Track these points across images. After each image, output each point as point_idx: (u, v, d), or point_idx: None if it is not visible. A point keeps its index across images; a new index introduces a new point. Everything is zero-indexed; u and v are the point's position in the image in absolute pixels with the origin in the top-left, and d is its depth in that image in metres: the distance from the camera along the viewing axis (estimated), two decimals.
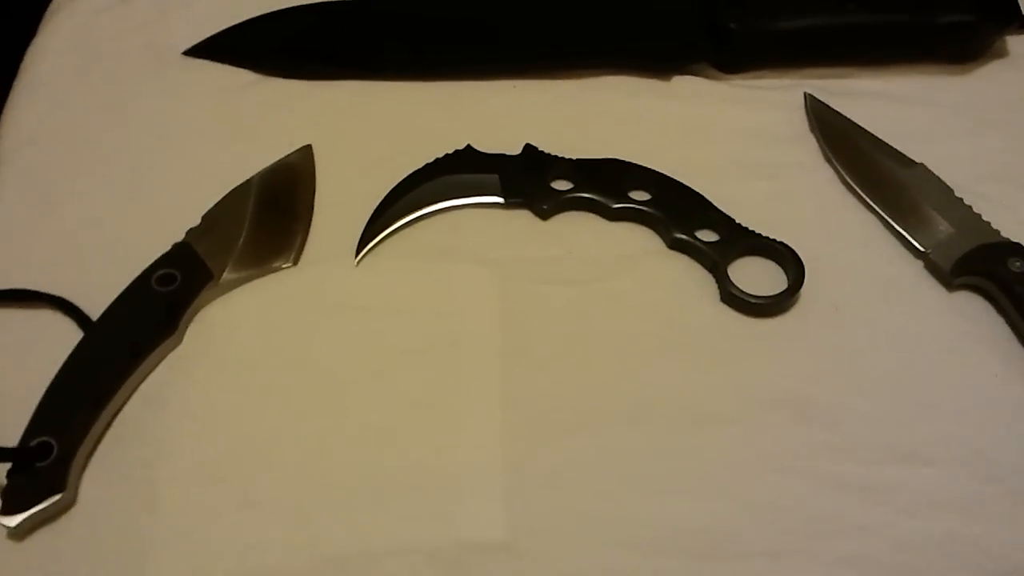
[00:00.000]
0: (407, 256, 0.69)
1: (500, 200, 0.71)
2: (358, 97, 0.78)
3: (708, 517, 0.59)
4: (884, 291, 0.67)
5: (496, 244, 0.70)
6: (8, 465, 0.58)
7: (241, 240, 0.68)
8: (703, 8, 0.79)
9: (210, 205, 0.70)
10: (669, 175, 0.71)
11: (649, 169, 0.71)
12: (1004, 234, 0.67)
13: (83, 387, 0.61)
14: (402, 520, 0.58)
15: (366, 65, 0.79)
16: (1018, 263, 0.65)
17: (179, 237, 0.68)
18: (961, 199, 0.69)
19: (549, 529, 0.58)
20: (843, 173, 0.72)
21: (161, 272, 0.66)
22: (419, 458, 0.61)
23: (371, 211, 0.70)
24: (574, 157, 0.72)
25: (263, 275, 0.68)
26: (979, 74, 0.79)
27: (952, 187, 0.70)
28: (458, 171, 0.72)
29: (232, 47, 0.81)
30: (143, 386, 0.63)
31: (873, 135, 0.73)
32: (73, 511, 0.59)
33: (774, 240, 0.68)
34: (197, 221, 0.69)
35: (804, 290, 0.66)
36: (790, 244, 0.67)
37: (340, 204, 0.72)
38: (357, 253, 0.69)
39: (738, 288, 0.66)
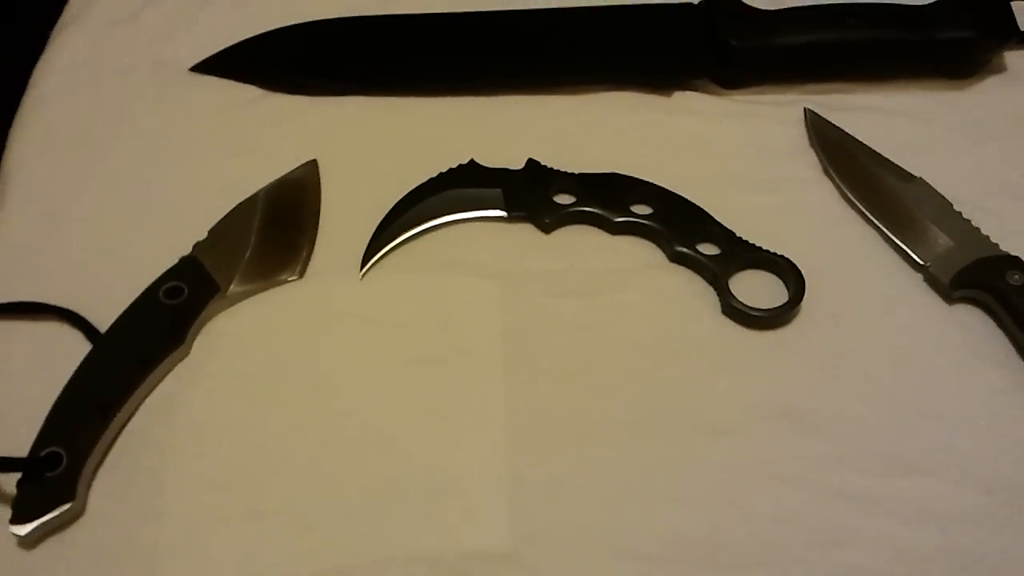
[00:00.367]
0: (411, 269, 0.70)
1: (503, 214, 0.71)
2: (362, 113, 0.78)
3: (709, 527, 0.59)
4: (884, 304, 0.68)
5: (499, 258, 0.70)
6: (19, 475, 0.59)
7: (247, 253, 0.69)
8: (704, 24, 0.80)
9: (217, 219, 0.70)
10: (670, 189, 0.71)
11: (651, 183, 0.72)
12: (1003, 247, 0.67)
13: (92, 398, 0.62)
14: (406, 530, 0.59)
15: (370, 81, 0.80)
16: (1017, 276, 0.65)
17: (186, 251, 0.68)
18: (960, 213, 0.70)
19: (552, 538, 0.58)
20: (843, 187, 0.73)
21: (169, 285, 0.66)
22: (423, 468, 0.61)
23: (376, 225, 0.71)
24: (576, 172, 0.73)
25: (269, 288, 0.69)
26: (978, 89, 0.79)
27: (951, 201, 0.70)
28: (461, 185, 0.73)
29: (238, 63, 0.82)
30: (151, 397, 0.64)
31: (873, 150, 0.74)
32: (82, 520, 0.59)
33: (775, 253, 0.68)
34: (204, 235, 0.69)
35: (804, 303, 0.66)
36: (790, 257, 0.68)
37: (345, 218, 0.72)
38: (362, 266, 0.69)
39: (739, 301, 0.66)
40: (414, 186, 0.73)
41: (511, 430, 0.62)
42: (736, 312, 0.66)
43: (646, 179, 0.72)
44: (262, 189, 0.73)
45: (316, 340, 0.66)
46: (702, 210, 0.71)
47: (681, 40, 0.80)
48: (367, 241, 0.70)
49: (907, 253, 0.69)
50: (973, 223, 0.69)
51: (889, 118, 0.77)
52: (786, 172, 0.75)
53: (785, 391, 0.64)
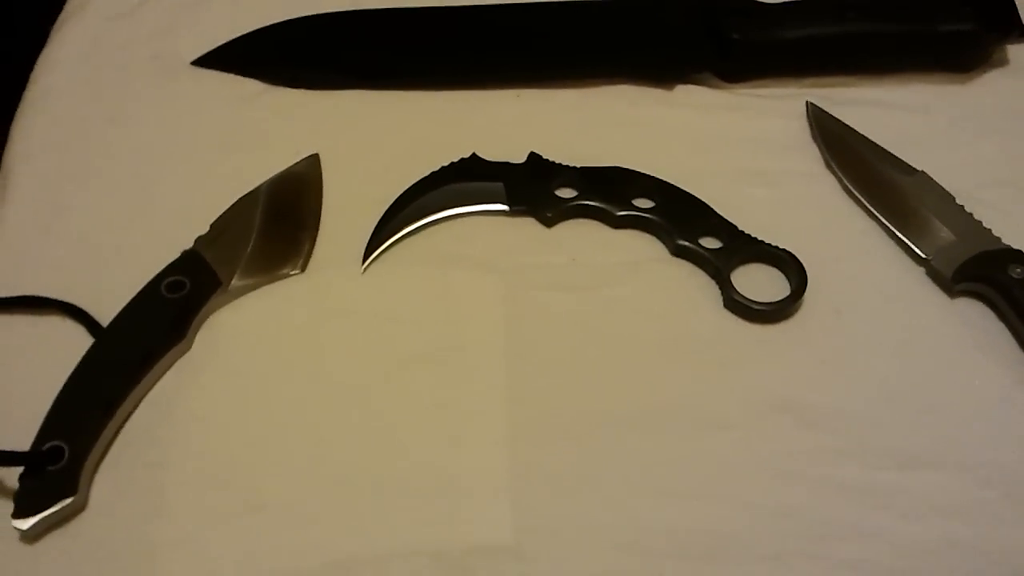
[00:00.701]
0: (413, 263, 0.70)
1: (505, 208, 0.71)
2: (364, 106, 0.78)
3: (711, 521, 0.59)
4: (885, 298, 0.68)
5: (501, 251, 0.70)
6: (21, 469, 0.59)
7: (249, 247, 0.69)
8: (706, 18, 0.80)
9: (218, 213, 0.70)
10: (672, 183, 0.71)
11: (652, 177, 0.72)
12: (1005, 241, 0.67)
13: (94, 392, 0.62)
14: (409, 524, 0.59)
15: (372, 75, 0.80)
16: (1019, 269, 0.65)
17: (188, 245, 0.68)
18: (962, 206, 0.69)
19: (554, 532, 0.58)
20: (845, 181, 0.73)
21: (170, 279, 0.66)
22: (425, 462, 0.61)
23: (377, 219, 0.71)
24: (578, 165, 0.73)
25: (271, 282, 0.69)
26: (980, 82, 0.79)
27: (953, 194, 0.70)
28: (463, 179, 0.73)
29: (239, 57, 0.82)
30: (153, 391, 0.64)
31: (874, 143, 0.74)
32: (84, 514, 0.59)
33: (776, 247, 0.68)
34: (206, 229, 0.69)
35: (806, 296, 0.66)
36: (792, 251, 0.68)
37: (347, 212, 0.72)
38: (363, 260, 0.69)
39: (741, 294, 0.66)
40: (416, 180, 0.73)
41: (513, 424, 0.62)
42: (738, 306, 0.66)
43: (648, 173, 0.72)
44: (264, 183, 0.73)
45: (318, 334, 0.66)
46: (704, 204, 0.71)
47: (683, 33, 0.80)
48: (369, 235, 0.70)
49: (909, 246, 0.69)
50: (975, 216, 0.69)
51: (891, 111, 0.77)
52: (788, 165, 0.75)
53: (787, 385, 0.64)
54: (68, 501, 0.58)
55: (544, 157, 0.73)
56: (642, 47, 0.81)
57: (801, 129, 0.77)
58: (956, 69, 0.80)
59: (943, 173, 0.71)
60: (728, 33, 0.78)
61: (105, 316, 0.65)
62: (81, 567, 0.57)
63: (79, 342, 0.64)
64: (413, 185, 0.72)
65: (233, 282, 0.67)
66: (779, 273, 0.68)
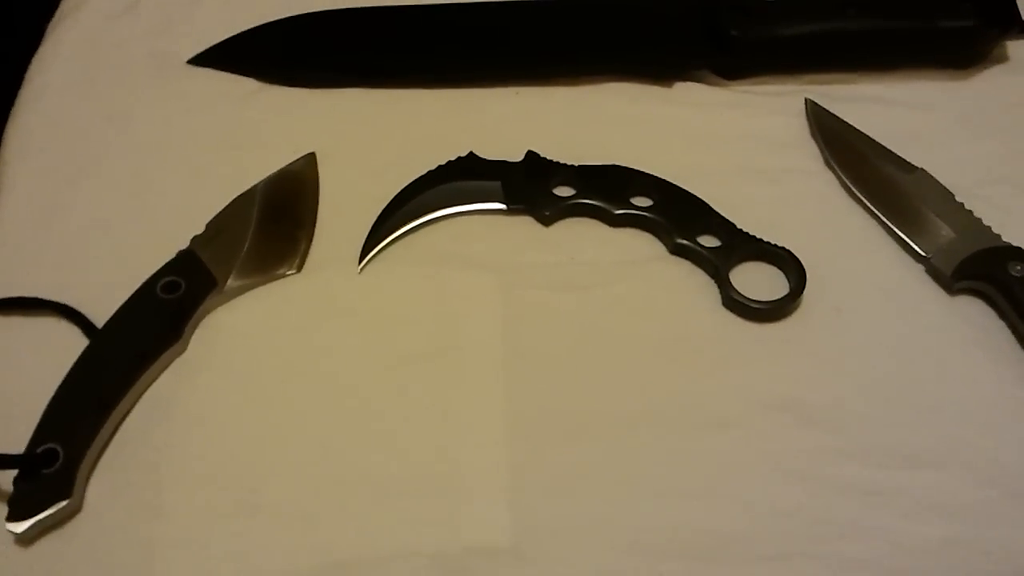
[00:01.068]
0: (410, 263, 0.69)
1: (502, 206, 0.71)
2: (361, 105, 0.78)
3: (711, 521, 0.59)
4: (885, 295, 0.67)
5: (499, 250, 0.70)
6: (15, 472, 0.58)
7: (245, 247, 0.69)
8: (704, 14, 0.80)
9: (214, 213, 0.70)
10: (671, 181, 0.71)
11: (651, 175, 0.72)
12: (1005, 238, 0.67)
13: (89, 394, 0.62)
14: (407, 525, 0.59)
15: (369, 73, 0.80)
16: (1019, 267, 0.65)
17: (184, 245, 0.68)
18: (962, 204, 0.69)
19: (553, 533, 0.58)
20: (844, 178, 0.73)
21: (166, 279, 0.66)
22: (423, 463, 0.61)
23: (374, 218, 0.71)
24: (576, 163, 0.72)
25: (267, 282, 0.68)
26: (980, 79, 0.79)
27: (953, 192, 0.70)
28: (461, 178, 0.72)
29: (235, 56, 0.81)
30: (148, 392, 0.64)
31: (874, 140, 0.74)
32: (79, 517, 0.59)
33: (775, 245, 0.68)
34: (201, 229, 0.69)
35: (806, 295, 0.66)
36: (791, 249, 0.68)
37: (343, 211, 0.72)
38: (360, 260, 0.69)
39: (740, 293, 0.66)
40: (413, 178, 0.72)
41: (511, 423, 0.62)
42: (737, 304, 0.66)
43: (646, 171, 0.72)
44: (260, 182, 0.72)
45: (315, 334, 0.66)
46: (703, 202, 0.70)
47: (682, 30, 0.80)
48: (366, 234, 0.70)
49: (909, 244, 0.69)
50: (975, 214, 0.69)
51: (890, 108, 0.77)
52: (787, 163, 0.74)
53: (786, 384, 0.64)
54: (63, 504, 0.58)
55: (542, 155, 0.73)
56: (641, 44, 0.80)
57: (800, 126, 0.76)
58: (956, 66, 0.79)
59: (943, 170, 0.71)
60: (727, 30, 0.78)
61: (100, 317, 0.65)
62: (77, 570, 0.57)
63: (74, 343, 0.64)
64: (410, 184, 0.72)
65: (229, 282, 0.67)
66: (778, 271, 0.68)
